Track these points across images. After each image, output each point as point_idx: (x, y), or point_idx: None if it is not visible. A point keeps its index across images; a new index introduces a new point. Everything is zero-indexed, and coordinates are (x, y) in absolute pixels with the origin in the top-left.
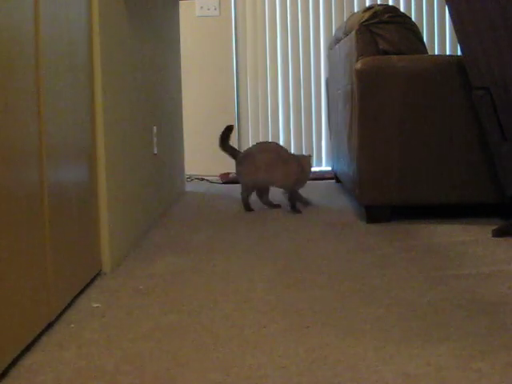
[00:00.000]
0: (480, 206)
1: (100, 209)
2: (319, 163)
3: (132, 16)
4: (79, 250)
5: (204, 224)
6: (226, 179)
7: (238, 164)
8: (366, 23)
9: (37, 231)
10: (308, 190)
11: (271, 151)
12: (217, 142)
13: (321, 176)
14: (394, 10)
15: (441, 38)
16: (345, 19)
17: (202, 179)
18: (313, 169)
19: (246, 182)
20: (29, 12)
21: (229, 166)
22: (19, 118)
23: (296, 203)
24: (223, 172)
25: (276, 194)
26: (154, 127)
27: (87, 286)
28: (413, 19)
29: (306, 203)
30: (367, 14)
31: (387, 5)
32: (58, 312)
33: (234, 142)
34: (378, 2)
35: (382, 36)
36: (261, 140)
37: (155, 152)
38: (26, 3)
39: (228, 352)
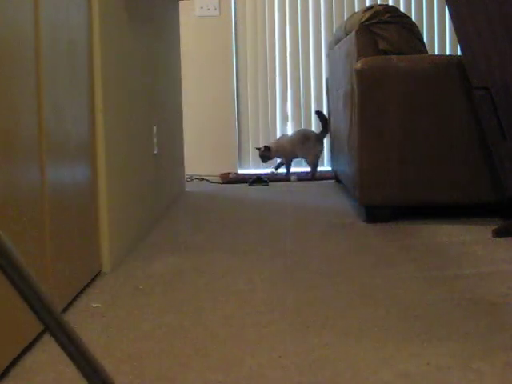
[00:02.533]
0: (480, 206)
1: (100, 209)
2: (319, 163)
3: (132, 16)
4: (79, 250)
5: (204, 224)
6: (226, 179)
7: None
8: (366, 23)
9: (37, 231)
10: (308, 190)
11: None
12: (217, 141)
13: (321, 176)
14: (394, 9)
15: (441, 37)
16: (345, 19)
17: (202, 179)
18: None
19: None
20: (29, 12)
21: (229, 165)
22: (20, 118)
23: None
24: (223, 172)
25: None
26: (154, 127)
27: (87, 285)
28: (413, 19)
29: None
30: (367, 14)
31: (387, 5)
32: None
33: (233, 141)
34: (378, 2)
35: (382, 36)
36: (261, 140)
37: (155, 152)
38: (26, 4)
39: (228, 352)
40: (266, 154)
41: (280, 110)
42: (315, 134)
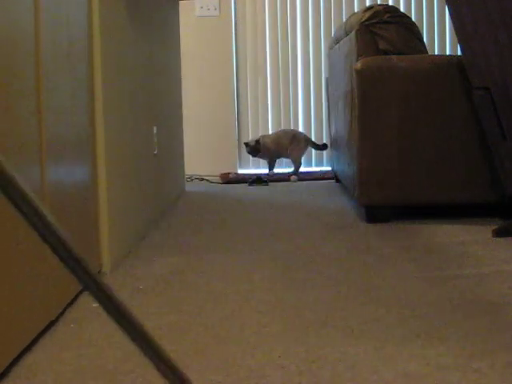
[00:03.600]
0: (480, 206)
1: (100, 209)
2: (319, 163)
3: (132, 16)
4: (79, 250)
5: (204, 224)
6: (226, 179)
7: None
8: (366, 23)
9: None
10: (308, 190)
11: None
12: (217, 141)
13: (321, 176)
14: (394, 9)
15: (441, 37)
16: (344, 19)
17: (202, 179)
18: (313, 169)
19: None
20: (29, 12)
21: (229, 165)
22: (20, 119)
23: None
24: (223, 172)
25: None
26: (154, 127)
27: None
28: (413, 19)
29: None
30: (367, 14)
31: (387, 5)
32: (58, 312)
33: (233, 141)
34: (378, 2)
35: (382, 36)
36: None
37: (155, 152)
38: (26, 3)
39: (228, 352)
40: (257, 147)
41: (283, 109)
42: (304, 136)
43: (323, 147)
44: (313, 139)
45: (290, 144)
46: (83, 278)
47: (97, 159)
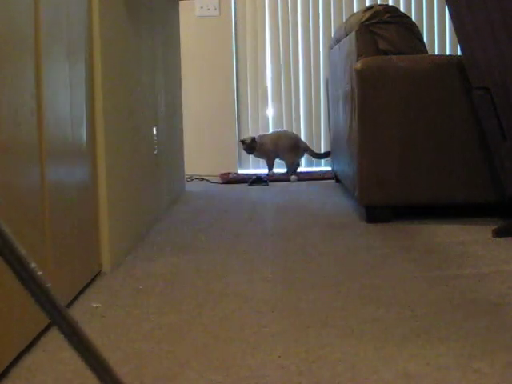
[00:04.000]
0: (480, 206)
1: (100, 209)
2: (319, 163)
3: (132, 16)
4: (79, 249)
5: (204, 224)
6: (226, 179)
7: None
8: (366, 23)
9: (37, 231)
10: (308, 190)
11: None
12: (217, 141)
13: (321, 176)
14: (394, 9)
15: (441, 37)
16: (344, 19)
17: (202, 179)
18: (313, 169)
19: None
20: (29, 12)
21: (229, 165)
22: (20, 119)
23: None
24: (223, 172)
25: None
26: (154, 127)
27: (87, 285)
28: (413, 19)
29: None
30: (367, 14)
31: (387, 5)
32: None
33: (233, 142)
34: (378, 2)
35: (382, 36)
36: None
37: (155, 152)
38: (26, 3)
39: (228, 352)
40: (253, 145)
41: (283, 109)
42: (305, 144)
43: (324, 155)
44: (313, 139)
45: (289, 146)
46: (51, 311)
47: (97, 159)
